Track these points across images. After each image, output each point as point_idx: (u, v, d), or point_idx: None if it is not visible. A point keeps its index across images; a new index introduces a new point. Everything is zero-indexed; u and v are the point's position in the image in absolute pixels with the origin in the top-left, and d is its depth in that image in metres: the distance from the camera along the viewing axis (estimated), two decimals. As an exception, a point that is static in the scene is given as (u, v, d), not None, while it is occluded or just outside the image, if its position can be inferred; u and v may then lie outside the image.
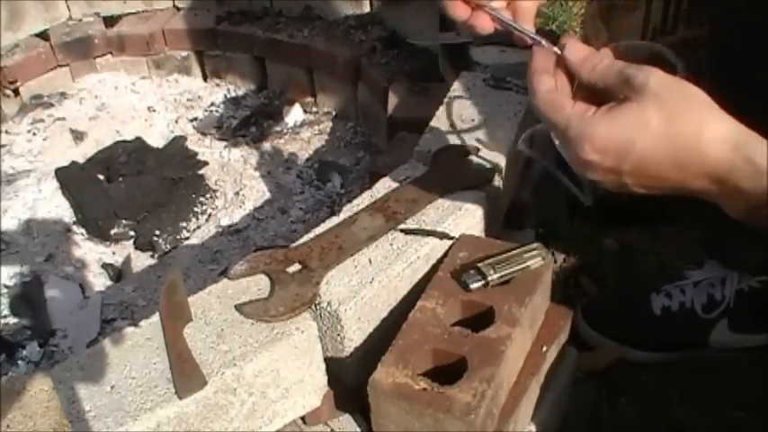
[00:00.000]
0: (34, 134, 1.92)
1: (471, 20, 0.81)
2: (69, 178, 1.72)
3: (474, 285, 0.92)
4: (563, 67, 0.74)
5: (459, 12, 0.80)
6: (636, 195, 0.72)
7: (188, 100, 2.05)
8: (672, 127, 0.65)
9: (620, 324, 1.22)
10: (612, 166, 0.68)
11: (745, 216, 0.67)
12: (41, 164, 1.83)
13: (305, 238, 1.01)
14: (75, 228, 1.64)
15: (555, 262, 1.37)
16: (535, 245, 0.98)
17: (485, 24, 0.80)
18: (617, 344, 1.21)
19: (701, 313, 1.19)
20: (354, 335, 0.94)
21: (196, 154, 1.82)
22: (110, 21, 2.10)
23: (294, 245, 1.00)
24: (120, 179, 1.71)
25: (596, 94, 0.71)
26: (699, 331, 1.19)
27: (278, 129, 1.90)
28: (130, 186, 1.68)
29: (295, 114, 1.93)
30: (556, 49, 0.75)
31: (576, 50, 0.73)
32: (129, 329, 0.91)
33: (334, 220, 1.03)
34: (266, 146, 1.85)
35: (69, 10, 2.08)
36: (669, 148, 0.66)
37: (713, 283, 1.19)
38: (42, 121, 1.96)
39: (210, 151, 1.86)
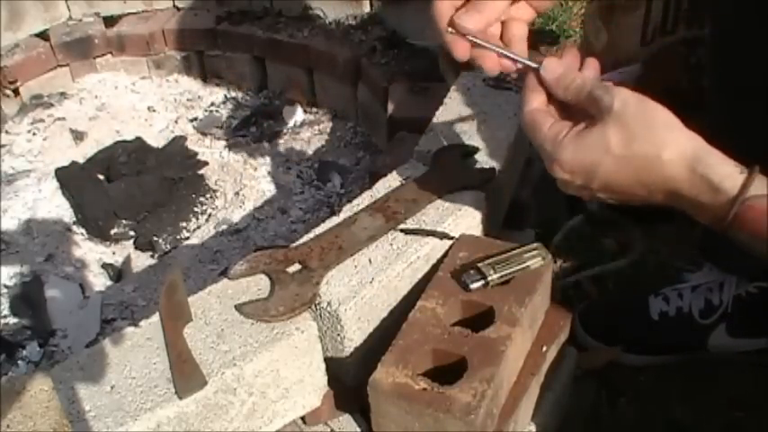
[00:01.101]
0: (34, 134, 1.92)
1: (475, 59, 0.83)
2: (69, 178, 1.72)
3: (474, 285, 0.92)
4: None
5: (461, 52, 0.82)
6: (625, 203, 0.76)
7: (188, 100, 2.05)
8: (632, 149, 0.71)
9: (618, 329, 1.22)
10: (582, 184, 0.75)
11: (711, 225, 0.72)
12: (41, 164, 1.83)
13: (305, 238, 1.01)
14: (75, 228, 1.64)
15: (555, 262, 1.37)
16: (535, 245, 0.98)
17: (490, 64, 0.83)
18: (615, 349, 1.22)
19: (699, 318, 1.19)
20: (354, 335, 0.94)
21: (196, 154, 1.82)
22: (110, 21, 2.10)
23: (294, 245, 1.00)
24: (120, 179, 1.71)
25: (573, 109, 0.77)
26: (697, 336, 1.19)
27: (278, 129, 1.90)
28: (130, 186, 1.68)
29: (295, 114, 1.93)
30: (535, 65, 0.78)
31: (551, 69, 0.78)
32: (129, 329, 0.91)
33: (334, 220, 1.03)
34: (266, 146, 1.85)
35: (69, 10, 2.08)
36: (630, 169, 0.72)
37: (711, 288, 1.20)
38: (42, 121, 1.96)
39: (210, 151, 1.86)
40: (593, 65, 0.79)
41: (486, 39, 0.81)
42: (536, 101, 0.78)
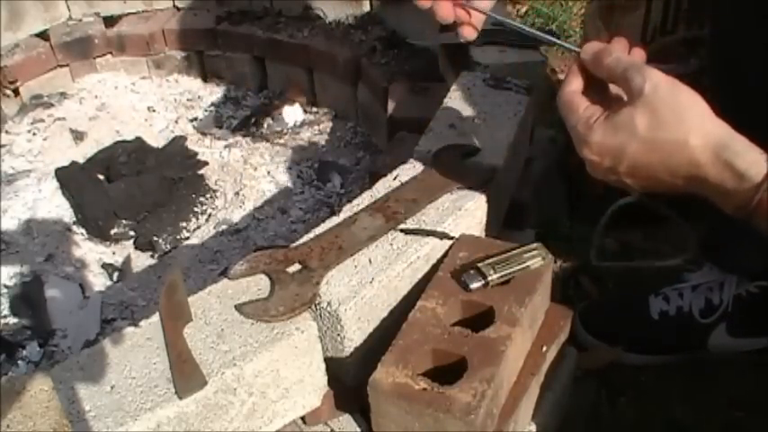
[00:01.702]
0: (34, 134, 1.92)
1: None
2: (69, 178, 1.72)
3: (474, 285, 0.92)
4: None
5: (446, 12, 0.85)
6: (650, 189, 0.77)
7: (188, 100, 2.05)
8: (659, 133, 0.72)
9: (618, 329, 1.22)
10: (610, 166, 0.76)
11: (734, 213, 0.72)
12: (41, 164, 1.83)
13: (305, 238, 1.01)
14: (75, 228, 1.64)
15: (555, 262, 1.37)
16: (535, 245, 0.98)
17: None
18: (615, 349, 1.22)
19: (699, 318, 1.19)
20: (354, 335, 0.94)
21: (196, 154, 1.82)
22: (110, 21, 2.10)
23: (294, 245, 1.00)
24: (120, 179, 1.71)
25: (610, 94, 0.78)
26: (697, 336, 1.19)
27: (278, 129, 1.90)
28: (130, 186, 1.68)
29: (295, 114, 1.93)
30: (576, 49, 0.78)
31: (589, 47, 0.78)
32: (129, 329, 0.91)
33: (334, 220, 1.03)
34: (266, 146, 1.85)
35: (69, 10, 2.08)
36: (657, 152, 0.73)
37: (711, 288, 1.20)
38: (42, 121, 1.96)
39: (210, 151, 1.86)
40: (638, 53, 0.79)
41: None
42: (575, 83, 0.79)
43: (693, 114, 0.72)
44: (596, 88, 0.79)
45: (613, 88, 0.79)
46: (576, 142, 0.77)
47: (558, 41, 0.85)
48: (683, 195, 0.75)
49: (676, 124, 0.71)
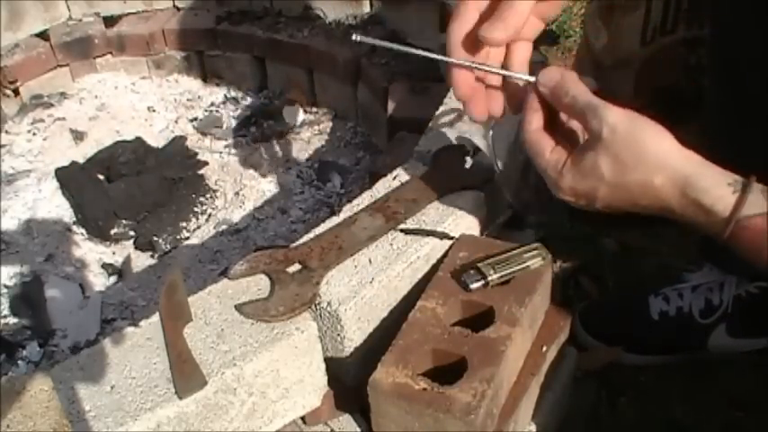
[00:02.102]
0: (34, 134, 1.92)
1: (467, 102, 0.84)
2: (69, 178, 1.72)
3: (474, 285, 0.92)
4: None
5: (465, 89, 0.82)
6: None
7: (188, 100, 2.05)
8: (624, 177, 0.73)
9: (618, 329, 1.22)
10: (586, 204, 0.78)
11: (714, 238, 0.73)
12: (41, 164, 1.83)
13: (305, 238, 1.01)
14: (75, 228, 1.64)
15: (555, 262, 1.37)
16: (535, 245, 0.98)
17: (480, 110, 0.85)
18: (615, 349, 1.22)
19: (699, 318, 1.19)
20: (354, 335, 0.94)
21: (196, 154, 1.82)
22: (110, 21, 2.10)
23: (294, 245, 1.00)
24: (120, 179, 1.71)
25: (569, 126, 0.80)
26: (697, 336, 1.19)
27: (278, 129, 1.90)
28: (130, 186, 1.68)
29: (295, 114, 1.93)
30: (532, 79, 0.78)
31: (547, 78, 0.78)
32: (129, 329, 0.91)
33: (334, 220, 1.03)
34: (266, 146, 1.85)
35: (69, 10, 2.08)
36: (626, 193, 0.74)
37: (711, 288, 1.20)
38: (42, 121, 1.96)
39: (210, 151, 1.86)
40: (574, 80, 0.79)
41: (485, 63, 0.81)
42: (536, 121, 0.80)
43: (655, 152, 0.72)
44: (557, 119, 0.80)
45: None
46: (549, 185, 0.80)
47: (510, 74, 0.82)
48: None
49: (639, 166, 0.72)
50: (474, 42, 0.79)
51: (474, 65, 0.80)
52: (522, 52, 0.82)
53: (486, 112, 0.85)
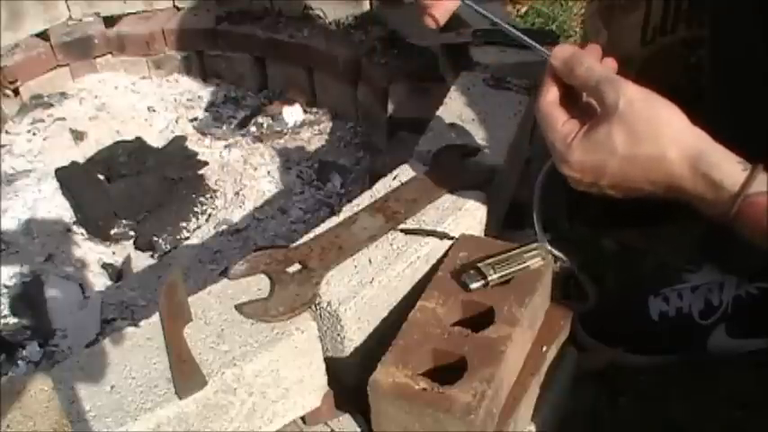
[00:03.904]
0: (34, 134, 1.92)
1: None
2: (69, 178, 1.72)
3: (474, 285, 0.92)
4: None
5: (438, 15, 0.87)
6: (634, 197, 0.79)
7: (188, 100, 2.05)
8: (637, 150, 0.73)
9: (618, 330, 1.22)
10: (592, 181, 0.77)
11: (716, 220, 0.73)
12: (41, 164, 1.82)
13: (305, 238, 1.01)
14: (75, 228, 1.64)
15: (555, 262, 1.37)
16: (535, 245, 0.98)
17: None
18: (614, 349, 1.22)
19: (699, 319, 1.19)
20: (354, 335, 0.94)
21: (196, 154, 1.82)
22: (110, 21, 2.10)
23: (294, 245, 1.00)
24: (120, 179, 1.71)
25: (584, 102, 0.79)
26: (696, 336, 1.19)
27: (278, 129, 1.90)
28: (130, 186, 1.68)
29: (295, 114, 1.93)
30: (548, 52, 0.78)
31: (559, 53, 0.79)
32: (129, 329, 0.91)
33: (334, 220, 1.03)
34: (266, 146, 1.85)
35: (69, 10, 2.08)
36: (636, 168, 0.74)
37: (711, 289, 1.20)
38: (42, 121, 1.96)
39: (210, 151, 1.86)
40: (610, 63, 0.80)
41: None
42: (551, 93, 0.80)
43: (670, 127, 0.73)
44: (572, 94, 0.80)
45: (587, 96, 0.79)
46: (556, 159, 0.79)
47: (531, 43, 0.85)
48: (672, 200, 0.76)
49: (653, 139, 0.72)
50: None
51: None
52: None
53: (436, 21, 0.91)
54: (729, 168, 0.71)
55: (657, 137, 0.72)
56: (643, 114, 0.73)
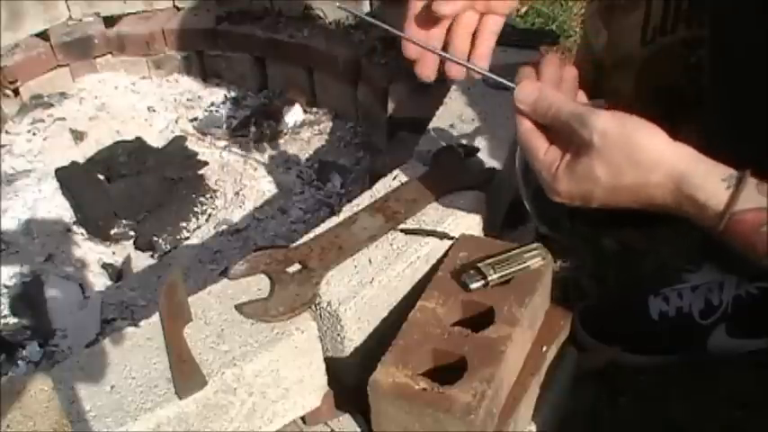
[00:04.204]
0: (34, 134, 1.92)
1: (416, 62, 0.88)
2: (69, 178, 1.72)
3: (474, 285, 0.92)
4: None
5: (411, 53, 0.86)
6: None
7: (188, 100, 2.05)
8: (620, 180, 0.74)
9: (618, 329, 1.22)
10: (581, 205, 0.79)
11: (709, 232, 0.74)
12: (41, 164, 1.82)
13: (305, 238, 1.01)
14: (75, 228, 1.64)
15: (555, 262, 1.37)
16: (535, 245, 0.98)
17: (427, 71, 0.89)
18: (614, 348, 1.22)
19: (699, 319, 1.19)
20: (354, 335, 0.94)
21: (196, 154, 1.82)
22: (110, 21, 2.09)
23: (294, 245, 1.00)
24: (120, 179, 1.71)
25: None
26: (697, 336, 1.19)
27: (278, 129, 1.90)
28: (130, 186, 1.68)
29: (295, 114, 1.93)
30: (512, 85, 0.79)
31: (524, 95, 0.79)
32: (129, 329, 0.91)
33: (334, 220, 1.03)
34: (266, 146, 1.85)
35: (69, 10, 2.08)
36: (622, 194, 0.75)
37: (711, 288, 1.20)
38: (42, 121, 1.96)
39: (210, 151, 1.86)
40: (570, 76, 0.81)
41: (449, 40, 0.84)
42: (526, 122, 0.80)
43: (649, 152, 0.73)
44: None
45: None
46: (544, 187, 0.80)
47: (501, 80, 0.83)
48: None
49: (634, 168, 0.73)
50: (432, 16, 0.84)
51: (444, 54, 0.84)
52: (493, 26, 0.86)
53: (434, 73, 0.88)
54: (713, 188, 0.71)
55: (637, 164, 0.73)
56: (618, 144, 0.73)
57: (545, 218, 0.94)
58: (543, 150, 0.79)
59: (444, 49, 0.86)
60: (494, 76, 0.84)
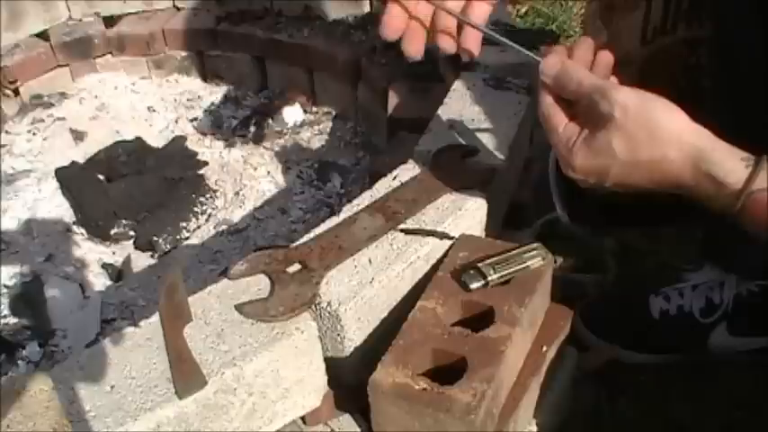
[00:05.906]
0: (34, 134, 1.92)
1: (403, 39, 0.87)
2: (69, 178, 1.72)
3: (474, 285, 0.92)
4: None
5: (394, 27, 0.86)
6: (635, 196, 0.79)
7: (188, 100, 2.05)
8: (637, 155, 0.74)
9: (619, 327, 1.22)
10: (596, 182, 0.78)
11: (721, 215, 0.74)
12: (41, 164, 1.82)
13: (305, 238, 1.01)
14: (75, 228, 1.64)
15: (555, 262, 1.37)
16: (535, 245, 0.98)
17: (416, 46, 0.88)
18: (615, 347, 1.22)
19: (700, 317, 1.19)
20: (354, 335, 0.94)
21: (196, 154, 1.82)
22: (110, 21, 2.10)
23: (294, 245, 1.00)
24: (120, 179, 1.71)
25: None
26: (697, 335, 1.19)
27: (278, 129, 1.90)
28: (130, 186, 1.68)
29: (295, 114, 1.93)
30: (538, 59, 0.79)
31: (548, 67, 0.79)
32: (129, 329, 0.91)
33: (334, 220, 1.03)
34: (266, 146, 1.85)
35: (69, 10, 2.08)
36: (639, 171, 0.75)
37: (712, 287, 1.20)
38: (42, 121, 1.96)
39: (210, 151, 1.86)
40: (604, 60, 0.80)
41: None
42: (548, 96, 0.80)
43: (668, 128, 0.73)
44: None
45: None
46: (560, 162, 0.80)
47: (525, 51, 0.84)
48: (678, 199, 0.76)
49: (653, 143, 0.73)
50: None
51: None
52: (479, 12, 0.86)
53: (421, 49, 0.88)
54: (732, 165, 0.71)
55: (656, 140, 0.73)
56: (639, 119, 0.73)
57: (578, 219, 0.94)
58: (563, 125, 0.79)
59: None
60: (518, 47, 0.83)
